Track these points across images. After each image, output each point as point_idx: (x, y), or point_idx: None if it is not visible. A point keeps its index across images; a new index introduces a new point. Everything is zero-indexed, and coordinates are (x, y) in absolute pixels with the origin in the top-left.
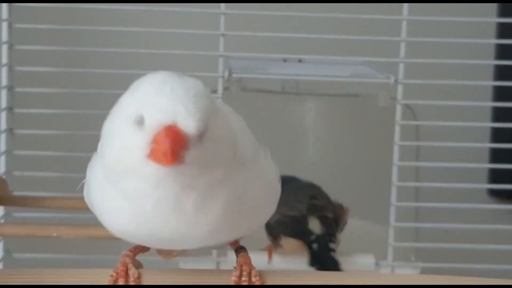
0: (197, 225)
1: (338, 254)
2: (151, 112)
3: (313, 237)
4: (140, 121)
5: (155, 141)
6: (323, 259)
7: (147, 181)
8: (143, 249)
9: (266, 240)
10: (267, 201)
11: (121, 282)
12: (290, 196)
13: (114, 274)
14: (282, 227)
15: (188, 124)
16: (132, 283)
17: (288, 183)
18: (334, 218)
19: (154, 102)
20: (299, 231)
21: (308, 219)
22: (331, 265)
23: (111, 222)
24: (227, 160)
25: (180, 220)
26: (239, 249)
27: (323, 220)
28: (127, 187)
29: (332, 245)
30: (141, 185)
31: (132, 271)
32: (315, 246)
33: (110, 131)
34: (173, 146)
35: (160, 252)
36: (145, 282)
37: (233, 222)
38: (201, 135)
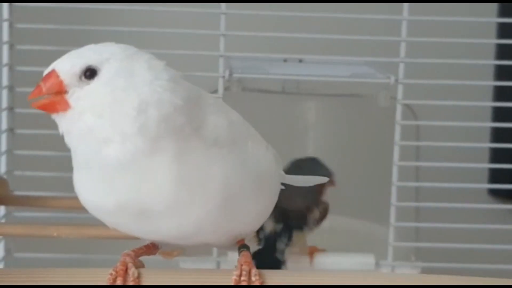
0: (152, 187)
1: (287, 253)
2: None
3: (261, 235)
4: None
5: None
6: (264, 258)
7: (76, 142)
8: (148, 251)
9: None
10: (250, 191)
11: (119, 281)
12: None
13: (114, 272)
14: None
15: (61, 65)
16: (131, 283)
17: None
18: (303, 215)
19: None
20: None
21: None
22: (271, 265)
23: (83, 200)
24: (154, 116)
25: (133, 181)
26: (242, 247)
27: (284, 216)
28: (75, 156)
29: (280, 245)
30: (80, 149)
31: (132, 271)
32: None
33: None
34: (36, 87)
35: (160, 252)
36: (145, 281)
37: (199, 198)
38: (86, 77)
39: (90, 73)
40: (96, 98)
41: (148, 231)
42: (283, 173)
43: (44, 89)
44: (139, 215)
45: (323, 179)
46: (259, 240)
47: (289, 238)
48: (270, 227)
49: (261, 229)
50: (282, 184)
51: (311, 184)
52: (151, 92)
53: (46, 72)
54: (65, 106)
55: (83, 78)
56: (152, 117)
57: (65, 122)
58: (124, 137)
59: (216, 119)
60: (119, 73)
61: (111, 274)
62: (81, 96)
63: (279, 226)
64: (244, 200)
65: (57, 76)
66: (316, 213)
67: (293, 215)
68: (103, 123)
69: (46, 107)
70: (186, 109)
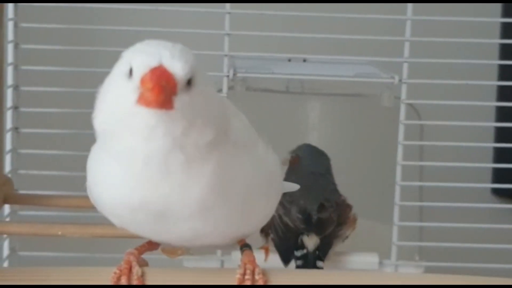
0: (185, 192)
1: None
2: (138, 59)
3: (299, 254)
4: (130, 73)
5: (142, 82)
6: None
7: (138, 135)
8: (150, 247)
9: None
10: (262, 192)
11: (123, 279)
12: (303, 193)
13: (118, 271)
14: (275, 228)
15: (174, 65)
16: (135, 282)
17: (314, 175)
18: (333, 233)
19: (141, 51)
20: (287, 241)
21: (302, 234)
22: None
23: (104, 192)
24: (217, 127)
25: (168, 183)
26: (244, 247)
27: (322, 239)
28: (118, 145)
29: (319, 264)
30: (132, 140)
31: (136, 270)
32: (298, 262)
33: (107, 87)
34: (159, 84)
35: (164, 250)
36: (148, 280)
37: (224, 202)
38: (188, 83)
39: (189, 80)
40: (196, 107)
41: (161, 232)
42: None
43: (166, 91)
44: (159, 216)
45: (294, 186)
46: (295, 258)
47: (325, 254)
48: (309, 244)
49: (293, 247)
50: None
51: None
52: (219, 105)
53: (150, 63)
54: (171, 106)
55: (186, 85)
56: (219, 130)
57: (156, 118)
58: (196, 146)
59: (236, 123)
60: (206, 84)
61: (115, 273)
62: (187, 103)
63: (317, 245)
64: (258, 202)
65: (174, 79)
66: (351, 228)
67: (330, 232)
68: (192, 131)
69: (163, 104)
70: (226, 121)
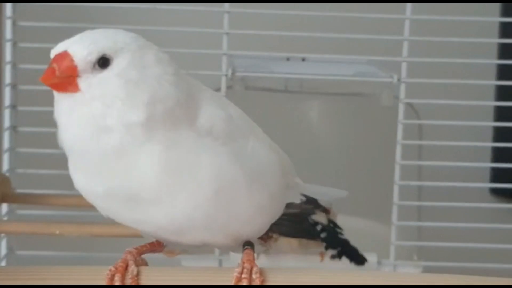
0: (137, 173)
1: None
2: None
3: (319, 228)
4: None
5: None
6: (335, 242)
7: (64, 121)
8: (152, 248)
9: None
10: (242, 186)
11: (117, 277)
12: None
13: (113, 269)
14: (278, 226)
15: (75, 49)
16: (129, 280)
17: None
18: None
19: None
20: (301, 229)
21: (308, 215)
22: (344, 245)
23: (77, 187)
24: (153, 108)
25: (120, 168)
26: (245, 245)
27: (326, 212)
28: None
29: (338, 230)
30: (63, 129)
31: (132, 268)
32: (323, 235)
33: None
34: (49, 68)
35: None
36: (144, 280)
37: (184, 186)
38: (103, 65)
39: (103, 61)
40: (108, 88)
41: (138, 219)
42: (300, 181)
43: (57, 72)
44: (128, 201)
45: (341, 193)
46: (317, 235)
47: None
48: (324, 219)
49: (310, 229)
50: None
51: (329, 198)
52: (160, 87)
53: (57, 50)
54: (75, 88)
55: (96, 65)
56: (158, 111)
57: (68, 103)
58: (128, 128)
59: (212, 111)
60: (131, 64)
61: (110, 270)
62: (93, 84)
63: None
64: (237, 195)
65: (72, 60)
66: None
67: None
68: (110, 112)
69: (57, 86)
70: (186, 102)
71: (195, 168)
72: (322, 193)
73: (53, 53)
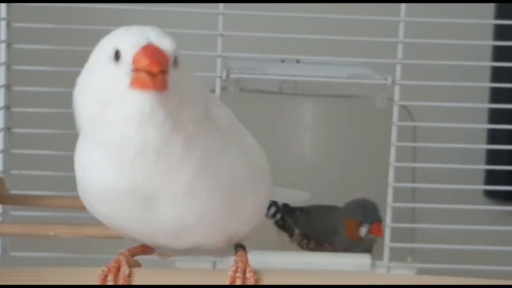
0: (174, 176)
1: None
2: (126, 41)
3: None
4: (117, 56)
5: (135, 61)
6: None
7: (131, 123)
8: (143, 250)
9: None
10: (248, 185)
11: (110, 277)
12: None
13: (106, 269)
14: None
15: (163, 42)
16: (121, 281)
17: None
18: None
19: (125, 34)
20: None
21: None
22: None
23: (93, 182)
24: (202, 105)
25: (160, 169)
26: (238, 247)
27: None
28: (107, 133)
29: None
30: (124, 129)
31: (124, 269)
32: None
33: (88, 74)
34: (156, 60)
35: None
36: (136, 281)
37: (209, 189)
38: (175, 61)
39: (175, 59)
40: (184, 84)
41: (145, 220)
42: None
43: (161, 67)
44: (145, 201)
45: (304, 195)
46: None
47: None
48: None
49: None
50: None
51: (292, 200)
52: (198, 86)
53: (138, 42)
54: (165, 85)
55: (173, 63)
56: (200, 108)
57: (151, 100)
58: (187, 123)
59: (218, 111)
60: (186, 63)
61: (102, 271)
62: (176, 80)
63: None
64: (245, 194)
65: (166, 55)
66: None
67: None
68: (183, 108)
69: (162, 85)
70: (205, 103)
71: (215, 168)
72: (285, 196)
73: (132, 45)
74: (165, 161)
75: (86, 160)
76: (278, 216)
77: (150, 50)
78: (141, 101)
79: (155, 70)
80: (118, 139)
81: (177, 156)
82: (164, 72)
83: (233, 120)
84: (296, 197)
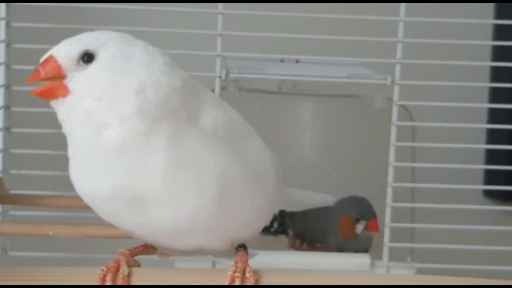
0: (144, 170)
1: None
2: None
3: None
4: None
5: None
6: None
7: (76, 128)
8: (144, 250)
9: None
10: (245, 187)
11: (109, 277)
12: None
13: (105, 269)
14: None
15: (58, 49)
16: (120, 281)
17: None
18: None
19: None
20: None
21: None
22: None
23: (79, 189)
24: (146, 101)
25: (139, 170)
26: (239, 247)
27: None
28: (73, 140)
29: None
30: (77, 133)
31: (123, 269)
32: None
33: None
34: (34, 72)
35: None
36: (136, 280)
37: (190, 186)
38: (84, 61)
39: (87, 57)
40: (94, 81)
41: (141, 222)
42: (290, 189)
43: (42, 74)
44: (133, 203)
45: (330, 198)
46: None
47: None
48: None
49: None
50: None
51: (316, 204)
52: (148, 74)
53: (43, 58)
54: (65, 91)
55: (81, 62)
56: (150, 98)
57: (64, 109)
58: (123, 119)
59: (215, 112)
60: (116, 56)
61: (102, 270)
62: (79, 80)
63: None
64: (240, 196)
65: (55, 61)
66: None
67: None
68: (102, 106)
69: (46, 93)
70: (182, 92)
71: (201, 168)
72: (310, 199)
73: (41, 60)
74: (138, 160)
75: (72, 168)
76: (276, 224)
77: (41, 64)
78: (57, 109)
79: (29, 81)
80: (78, 144)
81: (151, 156)
82: (56, 78)
83: (237, 121)
84: (321, 200)
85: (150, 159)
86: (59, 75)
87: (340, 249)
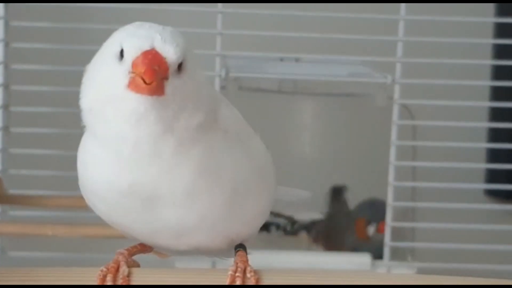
0: (174, 175)
1: None
2: (130, 41)
3: None
4: (120, 55)
5: (133, 66)
6: None
7: (126, 120)
8: (142, 249)
9: None
10: (252, 185)
11: (109, 277)
12: None
13: (105, 269)
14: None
15: (166, 49)
16: (120, 281)
17: None
18: None
19: (133, 34)
20: None
21: None
22: None
23: (93, 179)
24: (206, 110)
25: (157, 166)
26: (238, 247)
27: None
28: (106, 129)
29: None
30: (120, 125)
31: (123, 269)
32: None
33: (95, 67)
34: (152, 68)
35: (155, 251)
36: (136, 281)
37: (210, 188)
38: (180, 67)
39: (180, 64)
40: (187, 91)
41: (146, 220)
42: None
43: (160, 75)
44: (147, 200)
45: (305, 194)
46: None
47: None
48: None
49: None
50: None
51: (293, 199)
52: (209, 92)
53: (141, 46)
54: (162, 91)
55: (176, 70)
56: (204, 114)
57: (145, 104)
58: (184, 130)
59: (226, 112)
60: (197, 68)
61: (101, 271)
62: (177, 87)
63: None
64: (248, 196)
65: (166, 63)
66: None
67: None
68: (182, 115)
69: (155, 91)
70: (211, 107)
71: (218, 169)
72: (285, 195)
73: (134, 47)
74: (162, 161)
75: (88, 157)
76: (289, 225)
77: (149, 57)
78: (136, 101)
79: (149, 79)
80: (114, 135)
81: (174, 156)
82: (162, 78)
83: (241, 121)
84: (296, 196)
85: (176, 162)
86: (166, 77)
87: (355, 250)
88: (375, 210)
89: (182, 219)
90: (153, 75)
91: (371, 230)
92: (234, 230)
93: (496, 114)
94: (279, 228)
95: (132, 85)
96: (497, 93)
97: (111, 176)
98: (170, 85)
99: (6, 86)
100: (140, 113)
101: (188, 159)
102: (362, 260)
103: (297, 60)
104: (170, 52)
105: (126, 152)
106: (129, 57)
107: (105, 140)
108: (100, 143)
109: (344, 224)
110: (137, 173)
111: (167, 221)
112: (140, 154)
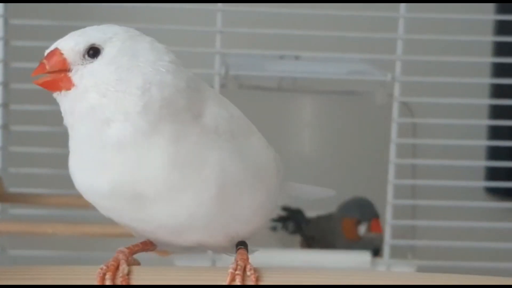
0: (144, 166)
1: None
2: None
3: None
4: None
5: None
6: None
7: (76, 120)
8: (144, 247)
9: None
10: (245, 184)
11: (108, 276)
12: None
13: (104, 267)
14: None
15: (63, 44)
16: (119, 279)
17: None
18: None
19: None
20: None
21: None
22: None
23: (77, 182)
24: (152, 96)
25: (128, 163)
26: (239, 245)
27: None
28: (72, 134)
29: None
30: (80, 126)
31: (123, 267)
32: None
33: None
34: (40, 64)
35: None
36: (135, 279)
37: (191, 183)
38: (89, 55)
39: (93, 51)
40: (100, 76)
41: (141, 219)
42: (289, 183)
43: (47, 67)
44: (133, 199)
45: (329, 192)
46: None
47: None
48: None
49: None
50: None
51: (317, 197)
52: (154, 72)
53: (48, 50)
54: (69, 84)
55: (86, 56)
56: (155, 97)
57: (67, 101)
58: (127, 116)
59: (218, 110)
60: (122, 52)
61: (101, 269)
62: (84, 74)
63: None
64: (240, 193)
65: (61, 54)
66: None
67: None
68: (107, 102)
69: (49, 84)
70: (187, 92)
71: (202, 164)
72: (310, 193)
73: (46, 53)
74: (130, 155)
75: (71, 162)
76: (291, 226)
77: (46, 57)
78: (61, 101)
79: (35, 73)
80: (80, 138)
81: (140, 149)
82: (61, 71)
83: (238, 118)
84: (321, 194)
85: (151, 157)
86: (64, 69)
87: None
88: (363, 209)
89: (173, 216)
90: (40, 68)
91: (362, 229)
92: (232, 227)
93: (496, 112)
94: (284, 226)
95: (33, 74)
96: (497, 91)
97: (89, 179)
98: (76, 75)
99: (5, 84)
100: (68, 110)
101: (158, 151)
102: (362, 258)
103: (297, 58)
104: (66, 45)
105: (91, 152)
106: None
107: (75, 145)
108: (77, 147)
109: (329, 227)
110: (112, 173)
111: (159, 218)
112: (105, 153)
